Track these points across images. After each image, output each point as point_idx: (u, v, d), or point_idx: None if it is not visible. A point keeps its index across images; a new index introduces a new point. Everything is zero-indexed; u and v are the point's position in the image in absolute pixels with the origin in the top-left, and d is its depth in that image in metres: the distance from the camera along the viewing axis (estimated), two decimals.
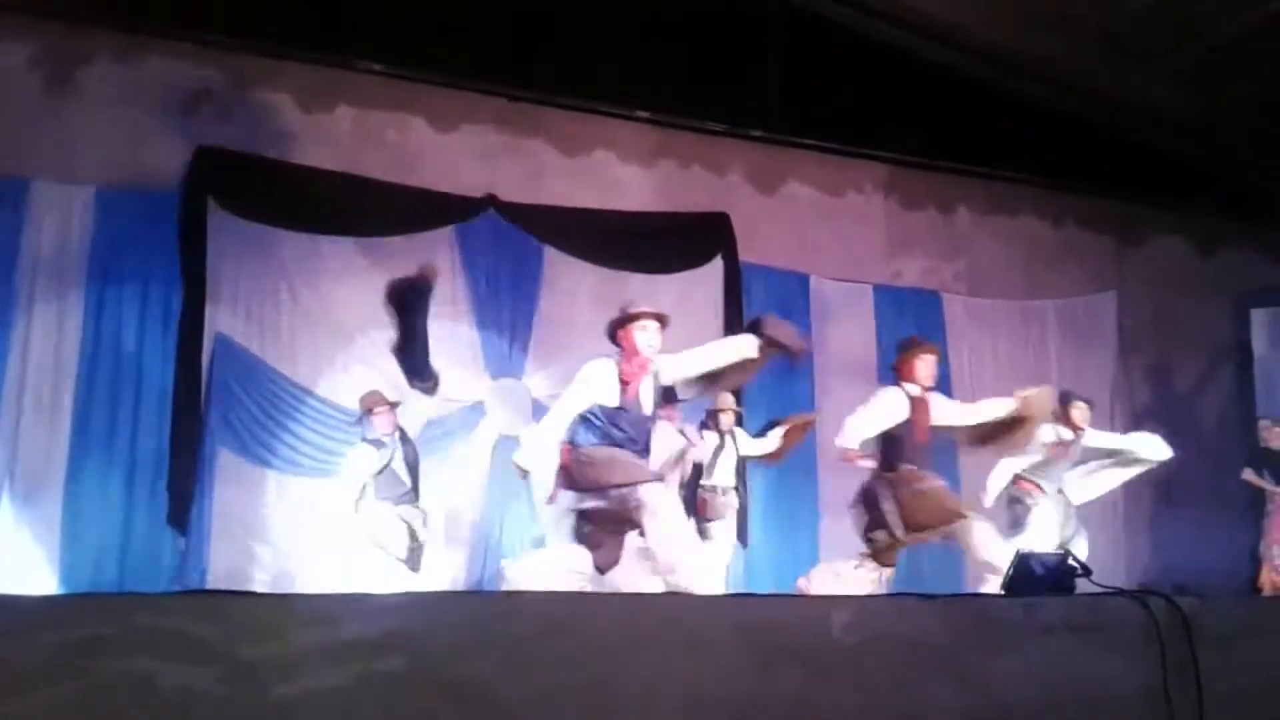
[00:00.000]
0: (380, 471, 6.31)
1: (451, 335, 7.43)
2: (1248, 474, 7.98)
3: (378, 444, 6.34)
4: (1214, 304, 9.32)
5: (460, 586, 6.98)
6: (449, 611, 2.24)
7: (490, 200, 7.63)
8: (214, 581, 6.60)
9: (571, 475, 4.47)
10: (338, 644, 2.11)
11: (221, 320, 6.92)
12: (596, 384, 4.53)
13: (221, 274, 6.96)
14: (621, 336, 4.67)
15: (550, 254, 7.76)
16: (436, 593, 3.05)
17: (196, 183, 6.93)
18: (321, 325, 7.13)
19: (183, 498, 6.67)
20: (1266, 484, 7.91)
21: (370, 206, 7.25)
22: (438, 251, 7.47)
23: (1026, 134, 8.48)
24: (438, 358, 7.33)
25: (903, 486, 5.26)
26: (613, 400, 4.50)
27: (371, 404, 6.41)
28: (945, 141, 8.58)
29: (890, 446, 5.34)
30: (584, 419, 4.50)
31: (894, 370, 5.56)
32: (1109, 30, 7.88)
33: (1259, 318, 9.29)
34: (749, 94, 8.00)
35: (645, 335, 4.62)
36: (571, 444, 4.50)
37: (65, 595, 4.88)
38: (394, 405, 6.43)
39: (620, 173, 8.14)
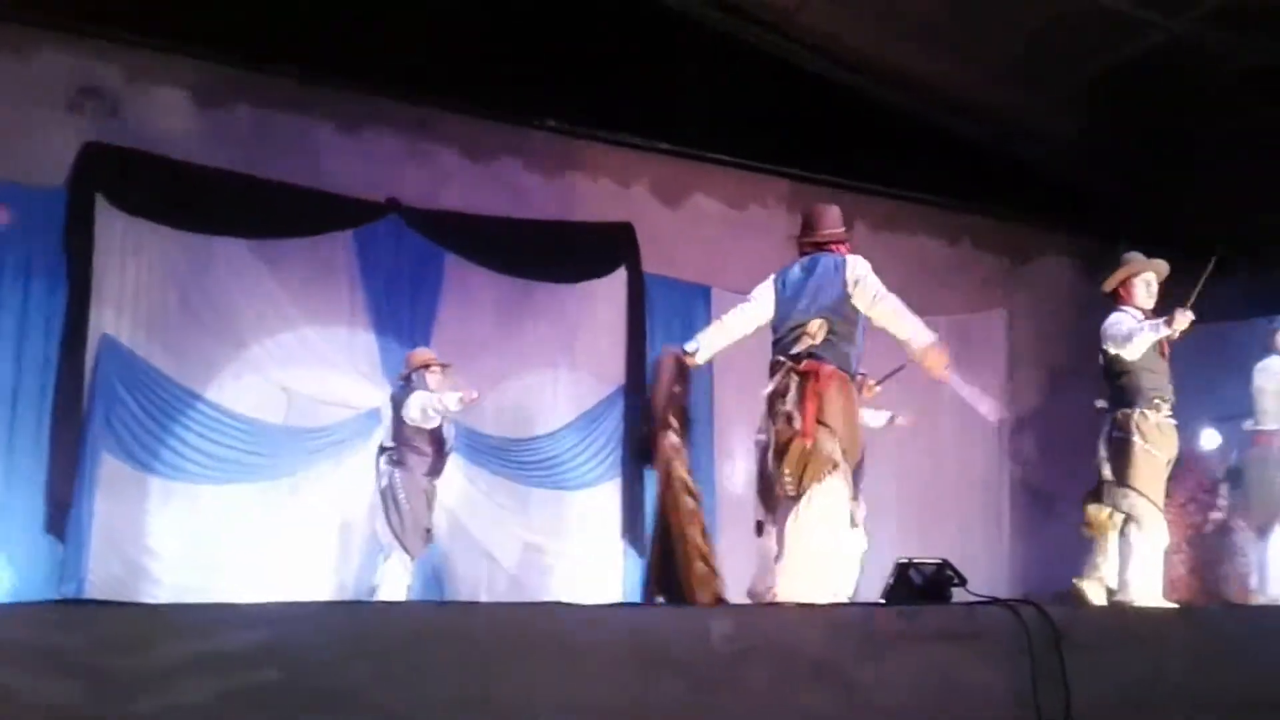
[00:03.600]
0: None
1: (348, 341, 7.34)
2: None
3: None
4: (1099, 322, 9.66)
5: (349, 596, 6.87)
6: (324, 621, 2.22)
7: (392, 205, 7.54)
8: (93, 590, 6.39)
9: None
10: (208, 655, 2.08)
11: (107, 321, 6.70)
12: None
13: (108, 273, 6.75)
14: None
15: (452, 261, 7.69)
16: (311, 602, 3.01)
17: (84, 179, 6.72)
18: (212, 328, 6.95)
19: (61, 504, 6.44)
20: None
21: (266, 208, 7.10)
22: (336, 256, 7.38)
23: (923, 154, 8.69)
24: (334, 363, 7.28)
25: None
26: None
27: (426, 360, 6.52)
28: (846, 160, 8.75)
29: None
30: None
31: None
32: (1001, 55, 8.14)
33: None
34: (656, 107, 8.05)
35: None
36: None
37: None
38: (445, 365, 6.59)
39: (526, 181, 8.12)
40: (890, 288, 9.19)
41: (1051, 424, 9.31)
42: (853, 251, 4.63)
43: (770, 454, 4.28)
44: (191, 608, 2.22)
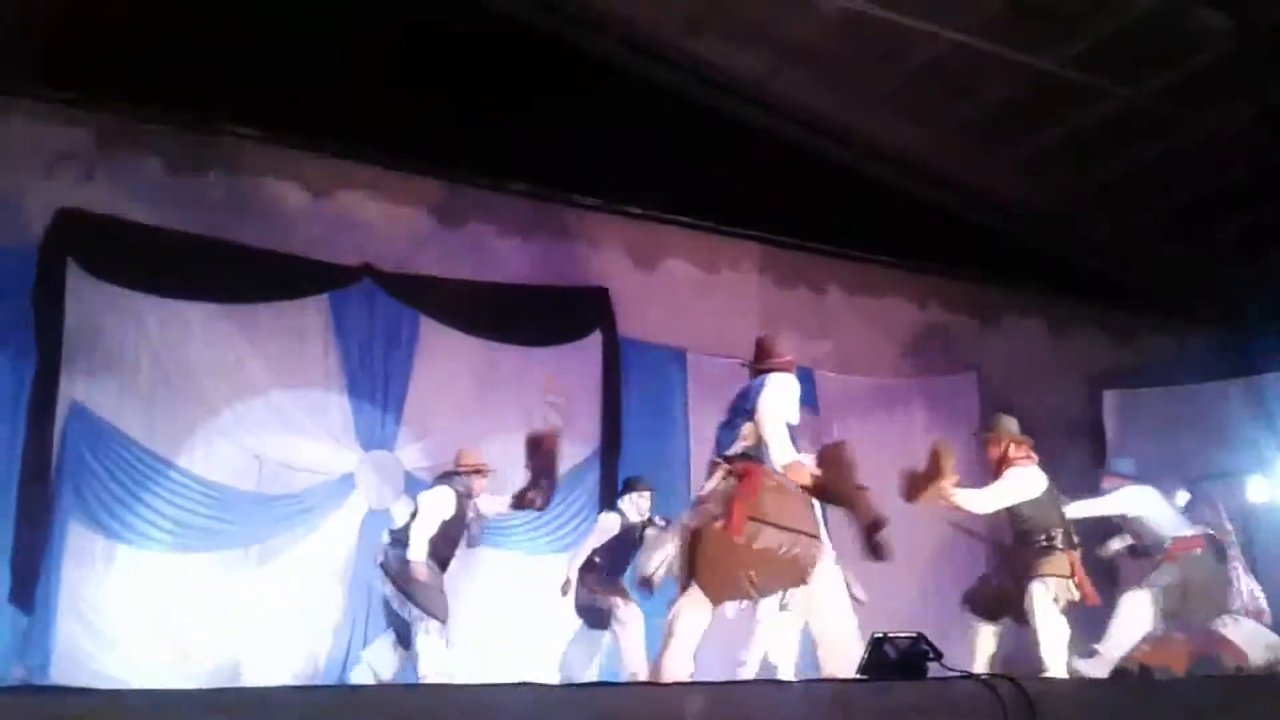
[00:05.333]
0: (450, 521, 6.17)
1: (322, 405, 7.30)
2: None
3: (464, 496, 6.24)
4: (1068, 384, 9.75)
5: (321, 669, 6.76)
6: (291, 708, 2.17)
7: (365, 269, 7.54)
8: (58, 662, 6.27)
9: None
10: None
11: (77, 387, 6.64)
12: None
13: (79, 339, 6.69)
14: None
15: (426, 324, 7.68)
16: (276, 689, 2.95)
17: (55, 244, 6.68)
18: (184, 394, 6.90)
19: (27, 574, 6.32)
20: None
21: (239, 273, 7.09)
22: (309, 320, 7.36)
23: (893, 219, 8.82)
24: (306, 429, 7.23)
25: None
26: None
27: (480, 466, 6.38)
28: (817, 224, 8.86)
29: None
30: None
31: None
32: (965, 123, 8.32)
33: (1110, 399, 9.70)
34: (629, 172, 8.12)
35: None
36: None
37: None
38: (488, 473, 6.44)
39: (499, 245, 8.15)
40: (861, 350, 9.32)
41: None
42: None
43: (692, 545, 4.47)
44: (152, 694, 2.17)
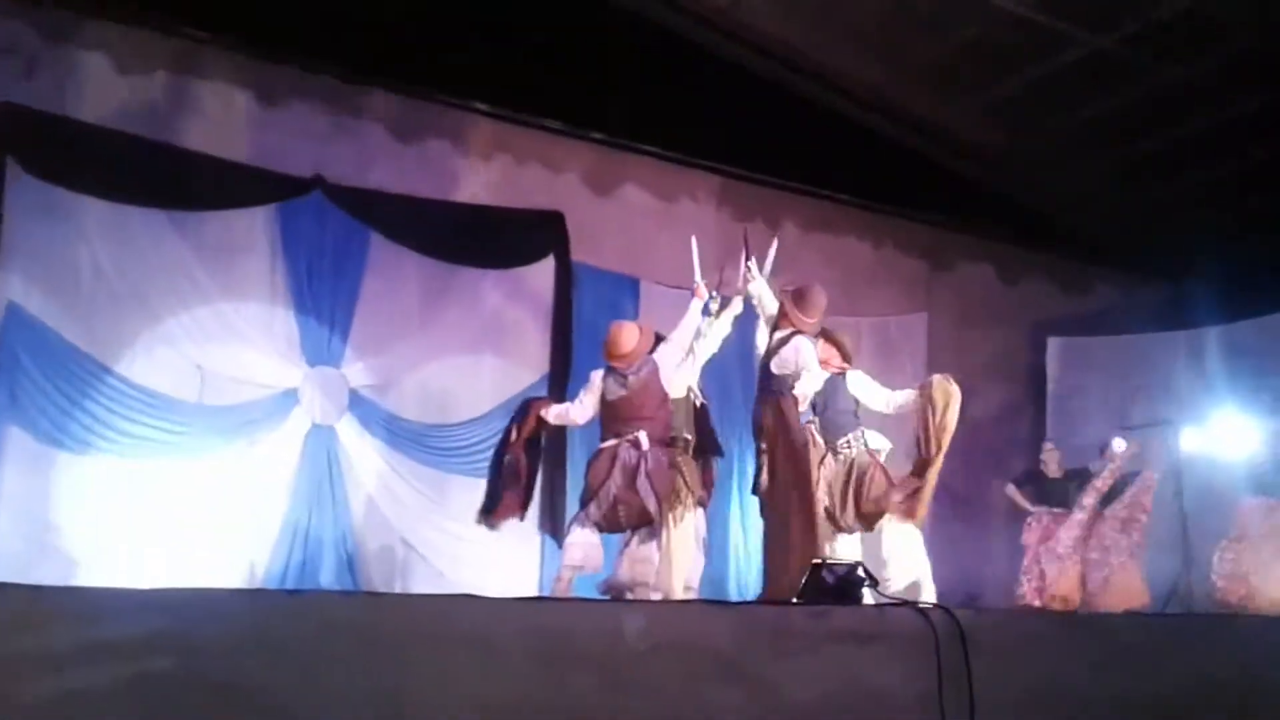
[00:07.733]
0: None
1: (267, 318, 7.19)
2: (1010, 490, 8.38)
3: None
4: (1015, 329, 9.88)
5: (259, 581, 6.74)
6: (222, 610, 2.15)
7: (317, 181, 7.37)
8: None
9: None
10: (99, 642, 2.00)
11: (13, 288, 6.46)
12: None
13: (17, 239, 6.49)
14: None
15: (377, 241, 7.56)
16: (211, 590, 2.92)
17: None
18: (126, 300, 6.74)
19: None
20: (1024, 502, 8.30)
21: (186, 178, 6.90)
22: (257, 230, 7.21)
23: (852, 157, 8.80)
24: (251, 341, 7.12)
25: None
26: None
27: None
28: (777, 158, 8.81)
29: None
30: None
31: None
32: (929, 63, 8.27)
33: (1054, 345, 9.85)
34: (589, 96, 8.01)
35: None
36: None
37: None
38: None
39: (455, 164, 8.01)
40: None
41: (967, 427, 9.45)
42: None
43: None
44: (80, 591, 2.14)
